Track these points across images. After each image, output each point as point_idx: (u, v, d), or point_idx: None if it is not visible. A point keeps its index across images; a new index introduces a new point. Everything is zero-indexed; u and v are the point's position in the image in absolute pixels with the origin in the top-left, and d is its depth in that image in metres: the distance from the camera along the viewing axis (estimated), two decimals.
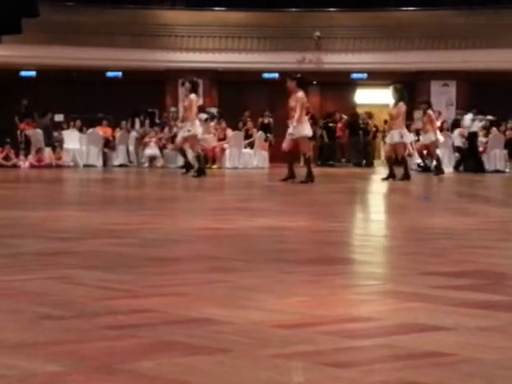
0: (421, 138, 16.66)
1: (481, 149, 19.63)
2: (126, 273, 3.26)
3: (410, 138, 14.55)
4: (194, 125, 13.94)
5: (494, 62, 23.89)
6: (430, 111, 16.37)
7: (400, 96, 13.95)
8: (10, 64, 24.20)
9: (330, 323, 2.34)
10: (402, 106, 13.83)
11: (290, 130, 12.34)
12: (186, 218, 6.29)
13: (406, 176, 13.70)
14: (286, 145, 12.34)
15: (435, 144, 16.46)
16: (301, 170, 12.88)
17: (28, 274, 3.20)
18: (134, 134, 21.56)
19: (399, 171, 14.02)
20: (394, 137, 13.92)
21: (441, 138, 16.75)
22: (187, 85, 14.37)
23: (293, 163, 12.65)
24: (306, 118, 12.50)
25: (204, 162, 14.56)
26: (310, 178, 12.16)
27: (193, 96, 14.04)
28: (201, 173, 13.98)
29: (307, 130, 12.35)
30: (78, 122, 21.39)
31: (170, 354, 1.96)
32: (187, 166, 14.78)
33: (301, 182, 11.98)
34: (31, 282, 3.02)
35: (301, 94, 12.21)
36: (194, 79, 14.85)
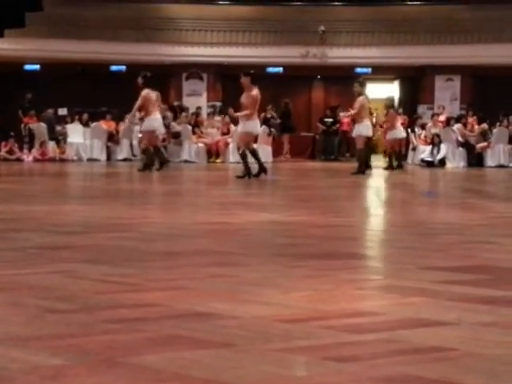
0: (390, 133, 16.66)
1: (485, 144, 19.57)
2: (130, 267, 3.27)
3: (369, 131, 14.46)
4: (150, 120, 13.74)
5: (499, 56, 23.80)
6: (391, 110, 16.60)
7: (360, 90, 14.12)
8: (14, 57, 24.18)
9: (334, 318, 2.35)
10: (363, 100, 13.91)
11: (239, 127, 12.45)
12: (189, 213, 6.29)
13: (361, 170, 13.56)
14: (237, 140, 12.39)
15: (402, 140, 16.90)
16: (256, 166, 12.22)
17: (32, 268, 3.21)
18: (137, 127, 21.56)
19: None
20: (357, 130, 14.09)
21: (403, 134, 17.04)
22: (139, 79, 13.98)
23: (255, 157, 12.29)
24: (255, 116, 12.20)
25: (162, 157, 14.02)
26: (246, 172, 11.81)
27: (145, 91, 13.63)
28: (146, 167, 13.53)
29: (253, 126, 12.09)
30: (85, 116, 21.34)
31: (173, 348, 1.97)
32: (163, 161, 14.22)
33: (238, 177, 11.80)
34: (35, 275, 3.03)
35: (255, 92, 11.99)
36: (147, 74, 14.49)
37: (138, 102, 13.72)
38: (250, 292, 2.72)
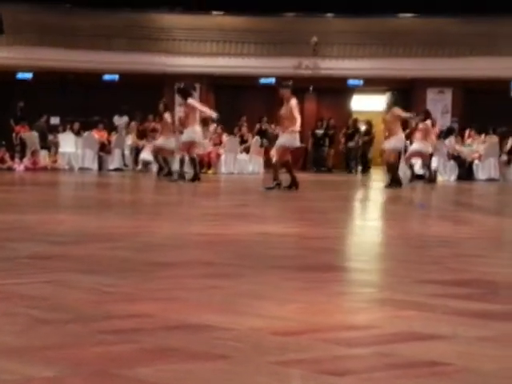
0: (414, 145, 16.46)
1: (476, 154, 19.60)
2: (123, 277, 3.26)
3: (400, 144, 14.46)
4: (195, 131, 13.90)
5: (490, 69, 23.93)
6: (427, 122, 16.29)
7: (392, 102, 14.11)
8: (6, 66, 24.15)
9: (328, 331, 2.34)
10: (397, 111, 13.90)
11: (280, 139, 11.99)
12: (181, 223, 6.28)
13: (398, 183, 13.64)
14: (273, 152, 12.00)
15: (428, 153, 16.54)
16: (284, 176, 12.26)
17: (24, 278, 3.19)
18: (129, 136, 21.55)
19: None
20: (390, 143, 13.99)
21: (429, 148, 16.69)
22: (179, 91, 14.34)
23: (291, 169, 12.06)
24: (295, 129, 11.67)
25: (199, 167, 14.54)
26: (294, 184, 11.56)
27: (192, 101, 13.99)
28: (195, 178, 14.01)
29: (290, 139, 11.58)
30: (77, 125, 21.33)
31: (168, 360, 1.96)
32: (169, 171, 14.90)
33: (286, 188, 11.55)
34: (27, 285, 3.01)
35: (294, 101, 11.66)
36: (185, 84, 14.81)
37: (185, 113, 13.81)
38: (244, 304, 2.71)
